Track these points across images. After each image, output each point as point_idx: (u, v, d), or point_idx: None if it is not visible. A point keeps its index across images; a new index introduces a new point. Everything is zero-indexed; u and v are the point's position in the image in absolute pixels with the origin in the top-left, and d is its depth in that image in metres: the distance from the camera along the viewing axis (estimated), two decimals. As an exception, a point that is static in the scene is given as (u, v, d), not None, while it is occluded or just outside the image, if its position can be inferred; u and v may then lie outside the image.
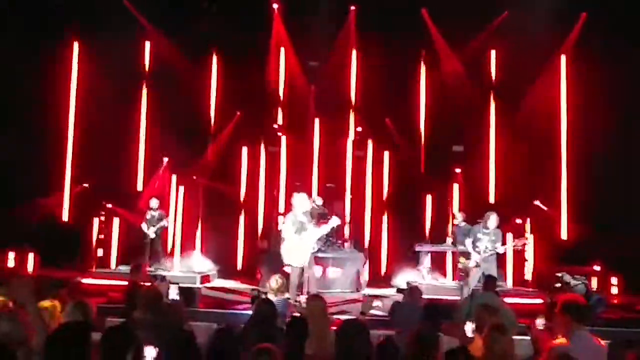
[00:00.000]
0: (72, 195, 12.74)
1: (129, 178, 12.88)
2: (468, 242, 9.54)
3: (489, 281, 7.21)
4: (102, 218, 12.68)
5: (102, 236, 12.65)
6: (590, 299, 8.72)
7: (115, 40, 11.67)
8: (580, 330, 4.39)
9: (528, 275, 12.02)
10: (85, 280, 10.95)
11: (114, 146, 12.59)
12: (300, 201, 8.90)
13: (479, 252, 9.36)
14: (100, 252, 12.62)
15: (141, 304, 4.73)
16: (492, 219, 9.37)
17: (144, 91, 13.13)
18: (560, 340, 4.48)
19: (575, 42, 12.27)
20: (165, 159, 12.94)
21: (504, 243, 9.56)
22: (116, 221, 12.79)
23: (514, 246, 9.74)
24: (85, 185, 12.80)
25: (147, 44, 13.15)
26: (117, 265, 12.31)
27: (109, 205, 12.57)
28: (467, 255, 9.61)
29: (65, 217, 12.69)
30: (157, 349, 3.97)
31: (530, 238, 11.56)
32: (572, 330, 4.37)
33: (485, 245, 9.32)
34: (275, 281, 6.48)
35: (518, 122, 12.37)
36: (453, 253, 11.32)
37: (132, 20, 12.50)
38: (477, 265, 9.35)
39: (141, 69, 13.08)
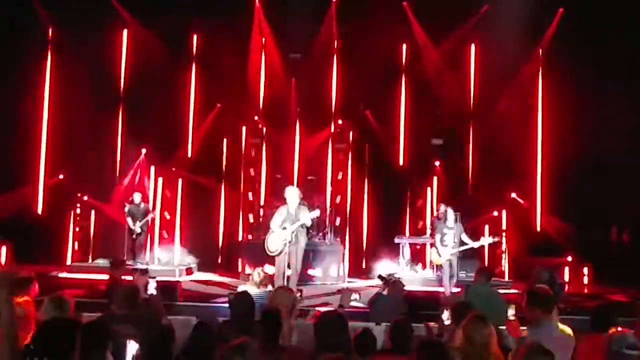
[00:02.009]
0: (46, 187, 12.55)
1: (106, 170, 12.74)
2: (437, 238, 9.67)
3: (481, 272, 7.23)
4: (78, 211, 12.52)
5: (77, 229, 12.50)
6: (553, 288, 8.86)
7: (92, 29, 11.50)
8: (547, 319, 4.49)
9: (504, 267, 12.18)
10: (61, 275, 10.84)
11: (91, 137, 12.42)
12: (291, 194, 8.95)
13: (446, 247, 9.47)
14: (76, 246, 12.47)
15: (117, 299, 4.68)
16: (450, 214, 9.52)
17: (122, 81, 12.97)
18: (529, 328, 4.58)
19: (552, 37, 12.39)
20: (144, 150, 12.81)
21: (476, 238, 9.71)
22: (93, 214, 12.64)
23: (484, 242, 9.85)
24: (61, 177, 12.62)
25: (125, 33, 12.98)
26: (94, 259, 12.19)
27: (85, 198, 12.41)
28: (439, 252, 9.69)
29: (39, 209, 12.50)
30: (137, 344, 3.94)
31: (503, 237, 11.73)
32: (540, 320, 4.48)
33: (450, 239, 9.45)
34: (257, 274, 6.48)
35: (496, 115, 12.48)
36: (432, 245, 11.41)
37: (109, 9, 12.32)
38: (448, 260, 9.47)
39: (118, 58, 12.91)
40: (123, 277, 7.41)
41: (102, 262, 11.71)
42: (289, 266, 8.93)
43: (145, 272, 7.72)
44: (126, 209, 11.53)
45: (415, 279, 10.78)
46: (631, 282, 10.80)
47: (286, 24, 12.65)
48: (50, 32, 12.69)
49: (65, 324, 3.04)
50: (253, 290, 6.05)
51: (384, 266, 11.17)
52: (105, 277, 8.76)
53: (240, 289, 6.61)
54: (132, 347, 3.96)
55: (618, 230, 12.22)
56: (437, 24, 12.39)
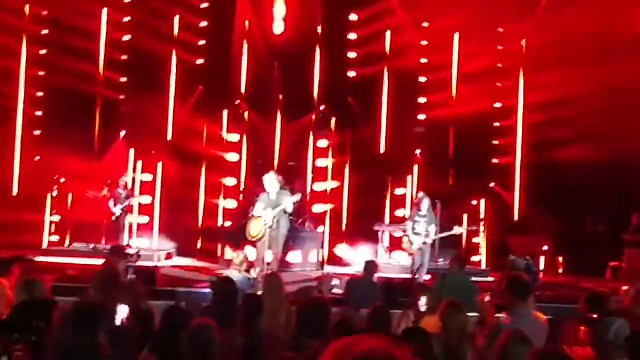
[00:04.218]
0: (22, 169, 12.33)
1: (83, 152, 12.56)
2: (409, 226, 9.63)
3: (455, 260, 7.33)
4: (55, 193, 12.33)
5: (55, 212, 12.33)
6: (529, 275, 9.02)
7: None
8: (522, 306, 4.59)
9: (481, 255, 12.34)
10: (37, 258, 10.70)
11: (69, 117, 12.22)
12: (270, 180, 8.95)
13: (418, 235, 9.42)
14: (53, 228, 12.31)
15: (95, 283, 4.66)
16: (424, 202, 9.47)
17: (101, 59, 12.75)
18: (505, 315, 4.68)
19: (536, 24, 12.44)
20: (123, 132, 12.64)
21: (442, 224, 9.64)
22: (70, 196, 12.46)
23: (455, 231, 9.86)
24: (37, 158, 12.41)
25: (105, 11, 12.74)
26: (71, 242, 12.05)
27: (62, 180, 12.22)
28: (411, 240, 9.61)
29: (14, 191, 12.29)
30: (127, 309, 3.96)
31: (481, 226, 11.85)
32: (515, 307, 4.58)
33: (423, 228, 9.39)
34: (238, 257, 6.48)
35: (478, 103, 12.54)
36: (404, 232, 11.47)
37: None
38: (420, 248, 9.43)
39: (99, 35, 12.69)
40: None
41: (77, 246, 11.59)
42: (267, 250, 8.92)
43: (138, 256, 7.65)
44: (105, 192, 11.33)
45: (392, 266, 10.85)
46: (603, 271, 11.07)
47: (270, 7, 12.54)
48: (27, 9, 12.40)
49: (38, 304, 3.04)
50: (235, 274, 6.05)
51: (362, 253, 11.22)
52: (82, 260, 8.73)
53: (224, 272, 6.60)
54: (122, 311, 3.96)
55: (592, 221, 12.45)
56: (422, 9, 12.40)
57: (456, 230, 9.79)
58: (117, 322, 3.96)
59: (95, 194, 11.30)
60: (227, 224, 12.43)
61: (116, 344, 3.46)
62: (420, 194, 9.98)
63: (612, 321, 3.81)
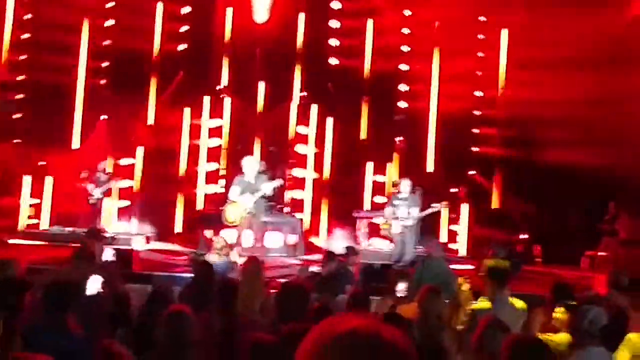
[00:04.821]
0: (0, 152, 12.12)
1: (63, 135, 12.38)
2: (388, 211, 9.47)
3: (435, 247, 7.38)
4: (33, 176, 12.14)
5: (34, 199, 12.15)
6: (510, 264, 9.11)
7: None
8: (501, 294, 4.67)
9: (461, 243, 12.45)
10: (14, 241, 10.57)
11: (49, 100, 12.02)
12: (250, 164, 8.86)
13: (398, 219, 9.27)
14: (32, 212, 12.13)
15: (70, 264, 4.61)
16: (405, 185, 9.26)
17: (83, 42, 12.55)
18: (483, 301, 4.74)
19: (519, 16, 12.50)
20: (103, 117, 12.47)
21: (423, 209, 9.42)
22: (50, 180, 12.28)
23: (435, 209, 9.73)
24: (16, 141, 12.20)
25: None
26: (50, 225, 11.90)
27: (42, 163, 12.04)
28: (390, 225, 9.49)
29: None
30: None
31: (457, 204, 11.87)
32: (495, 293, 4.65)
33: (404, 211, 9.22)
34: (217, 241, 6.46)
35: (459, 90, 12.60)
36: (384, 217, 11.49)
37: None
38: (401, 233, 9.32)
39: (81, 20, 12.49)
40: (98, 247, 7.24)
41: (56, 229, 11.45)
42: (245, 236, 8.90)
43: (113, 239, 7.57)
44: (94, 177, 11.16)
45: (371, 253, 10.89)
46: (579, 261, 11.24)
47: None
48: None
49: (10, 283, 3.01)
50: (215, 258, 6.03)
51: (341, 240, 11.25)
52: (59, 244, 8.59)
53: (206, 257, 6.57)
54: (94, 281, 3.93)
55: (572, 211, 12.61)
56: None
57: (435, 207, 9.63)
58: (90, 292, 3.93)
59: (86, 177, 11.12)
60: (207, 209, 12.36)
61: (88, 324, 3.44)
62: (401, 179, 9.86)
63: (588, 309, 3.87)
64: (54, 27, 11.96)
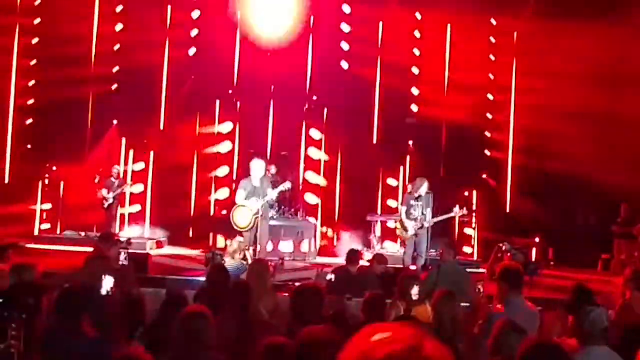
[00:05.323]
0: (13, 156, 12.23)
1: (76, 140, 12.47)
2: (402, 210, 9.39)
3: (449, 249, 7.32)
4: (47, 181, 12.25)
5: (48, 204, 12.25)
6: (527, 268, 9.05)
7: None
8: (515, 296, 4.62)
9: (473, 247, 12.39)
10: (28, 245, 10.65)
11: (61, 107, 12.12)
12: (257, 167, 8.83)
13: (414, 220, 9.22)
14: (44, 216, 12.23)
15: (85, 269, 4.64)
16: (423, 186, 9.16)
17: (93, 51, 12.64)
18: (498, 305, 4.70)
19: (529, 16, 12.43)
20: (115, 121, 12.55)
21: (434, 211, 9.37)
22: (62, 185, 12.38)
23: (453, 214, 9.66)
24: (29, 146, 12.32)
25: (97, 2, 12.63)
26: (62, 230, 11.99)
27: (54, 168, 12.14)
28: (405, 226, 9.39)
29: (6, 179, 12.20)
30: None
31: (473, 217, 11.84)
32: (508, 296, 4.61)
33: (419, 212, 9.15)
34: (231, 244, 6.46)
35: (470, 94, 12.55)
36: (397, 219, 11.46)
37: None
38: (415, 235, 9.25)
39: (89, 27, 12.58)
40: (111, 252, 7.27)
41: (69, 233, 11.53)
42: (255, 240, 8.88)
43: (129, 242, 7.59)
44: (108, 182, 11.26)
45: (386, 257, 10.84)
46: (594, 264, 11.13)
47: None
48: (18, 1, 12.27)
49: (26, 286, 3.03)
50: (228, 261, 6.04)
51: (354, 244, 11.22)
52: (72, 248, 8.65)
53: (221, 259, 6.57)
54: (107, 282, 3.95)
55: (583, 213, 12.51)
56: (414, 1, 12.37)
57: (455, 211, 9.57)
58: (103, 292, 3.95)
59: (99, 182, 11.21)
60: (220, 213, 12.39)
61: (101, 326, 3.45)
62: (418, 179, 9.61)
63: (589, 311, 3.85)
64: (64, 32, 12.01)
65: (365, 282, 6.65)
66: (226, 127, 13.03)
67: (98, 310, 3.80)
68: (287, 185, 8.97)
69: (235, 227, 8.81)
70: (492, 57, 12.88)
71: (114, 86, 12.75)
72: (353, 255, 7.54)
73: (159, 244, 11.52)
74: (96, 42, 12.66)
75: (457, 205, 9.52)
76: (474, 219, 12.20)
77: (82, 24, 12.40)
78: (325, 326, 3.01)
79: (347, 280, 6.84)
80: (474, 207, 12.18)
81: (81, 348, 3.34)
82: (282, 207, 11.15)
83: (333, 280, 6.75)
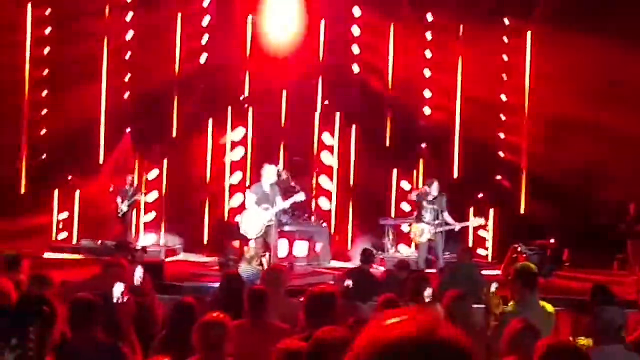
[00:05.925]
0: (29, 167, 12.36)
1: (89, 149, 12.58)
2: (416, 214, 9.39)
3: (463, 252, 7.31)
4: (63, 191, 12.37)
5: (64, 213, 12.36)
6: (543, 269, 8.99)
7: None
8: (530, 296, 4.59)
9: (488, 249, 12.31)
10: (45, 255, 10.77)
11: (74, 116, 12.23)
12: (268, 173, 8.81)
13: (428, 223, 9.23)
14: (60, 226, 12.35)
15: (101, 278, 4.68)
16: (434, 187, 9.19)
17: (104, 58, 12.75)
18: (512, 305, 4.67)
19: (542, 17, 12.35)
20: (128, 130, 12.66)
21: (451, 215, 9.38)
22: (77, 194, 12.49)
23: (470, 223, 9.70)
24: (43, 156, 12.45)
25: (107, 8, 12.76)
26: (78, 240, 12.09)
27: (70, 177, 12.26)
28: (420, 231, 9.42)
29: (22, 188, 12.34)
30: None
31: (490, 221, 11.78)
32: (523, 296, 4.57)
33: (433, 215, 9.16)
34: (248, 251, 6.47)
35: (482, 97, 12.49)
36: (410, 223, 11.40)
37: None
38: (431, 239, 9.24)
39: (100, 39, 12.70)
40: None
41: (85, 242, 11.63)
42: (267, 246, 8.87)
43: (144, 250, 7.63)
44: (123, 191, 11.36)
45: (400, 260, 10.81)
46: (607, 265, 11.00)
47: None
48: (29, 7, 12.41)
49: (37, 300, 3.06)
50: (244, 267, 6.05)
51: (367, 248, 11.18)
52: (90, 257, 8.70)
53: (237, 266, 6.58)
54: (118, 288, 3.98)
55: (598, 214, 12.37)
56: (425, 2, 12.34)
57: (470, 222, 9.57)
58: (115, 299, 3.98)
59: (113, 191, 11.28)
60: (234, 219, 12.41)
61: (114, 331, 3.48)
62: (430, 180, 9.66)
63: (603, 310, 3.82)
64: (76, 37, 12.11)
65: (387, 288, 6.62)
66: (239, 133, 13.07)
67: (109, 315, 3.83)
68: (300, 196, 8.90)
69: (246, 234, 8.76)
70: (505, 58, 12.79)
71: (126, 94, 12.84)
72: (368, 254, 7.52)
73: (174, 251, 11.58)
74: (107, 55, 12.72)
75: (475, 217, 9.51)
76: (490, 221, 12.10)
77: (91, 39, 12.49)
78: (341, 327, 3.01)
79: (368, 284, 6.77)
80: (490, 212, 12.08)
81: (95, 355, 3.37)
82: (296, 212, 11.16)
83: (351, 286, 6.73)
